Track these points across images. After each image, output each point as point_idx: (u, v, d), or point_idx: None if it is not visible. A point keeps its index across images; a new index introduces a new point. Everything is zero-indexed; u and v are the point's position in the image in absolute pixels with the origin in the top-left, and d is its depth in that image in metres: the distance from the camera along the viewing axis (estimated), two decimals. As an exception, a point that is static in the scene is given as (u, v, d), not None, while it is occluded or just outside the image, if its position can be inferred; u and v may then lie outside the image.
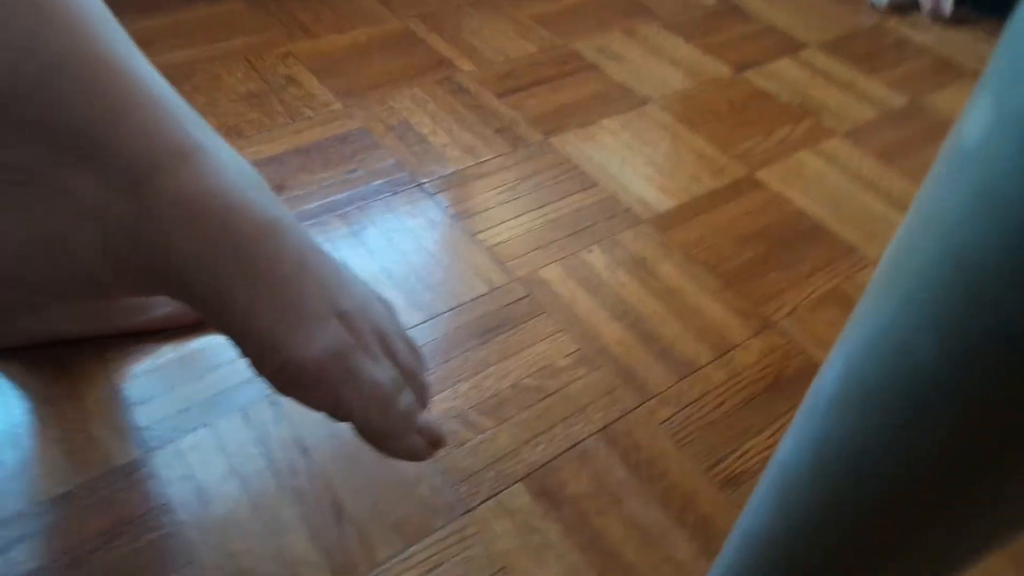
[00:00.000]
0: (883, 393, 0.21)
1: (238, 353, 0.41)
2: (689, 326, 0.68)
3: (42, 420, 0.56)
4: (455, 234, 0.75)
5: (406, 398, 0.45)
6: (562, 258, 0.73)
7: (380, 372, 0.43)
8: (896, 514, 0.22)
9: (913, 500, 0.22)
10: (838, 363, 0.23)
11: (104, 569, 0.48)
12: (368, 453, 0.56)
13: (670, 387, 0.63)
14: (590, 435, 0.59)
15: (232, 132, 0.83)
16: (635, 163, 0.86)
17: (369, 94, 0.91)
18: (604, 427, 0.60)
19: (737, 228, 0.79)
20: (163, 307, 0.62)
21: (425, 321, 0.66)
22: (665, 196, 0.82)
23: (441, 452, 0.57)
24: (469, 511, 0.54)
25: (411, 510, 0.54)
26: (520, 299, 0.69)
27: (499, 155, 0.85)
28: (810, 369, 0.66)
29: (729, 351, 0.67)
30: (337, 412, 0.42)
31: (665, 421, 0.61)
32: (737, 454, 0.59)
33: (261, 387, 0.59)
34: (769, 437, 0.61)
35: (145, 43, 0.40)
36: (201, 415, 0.57)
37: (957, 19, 1.20)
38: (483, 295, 0.69)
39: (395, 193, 0.78)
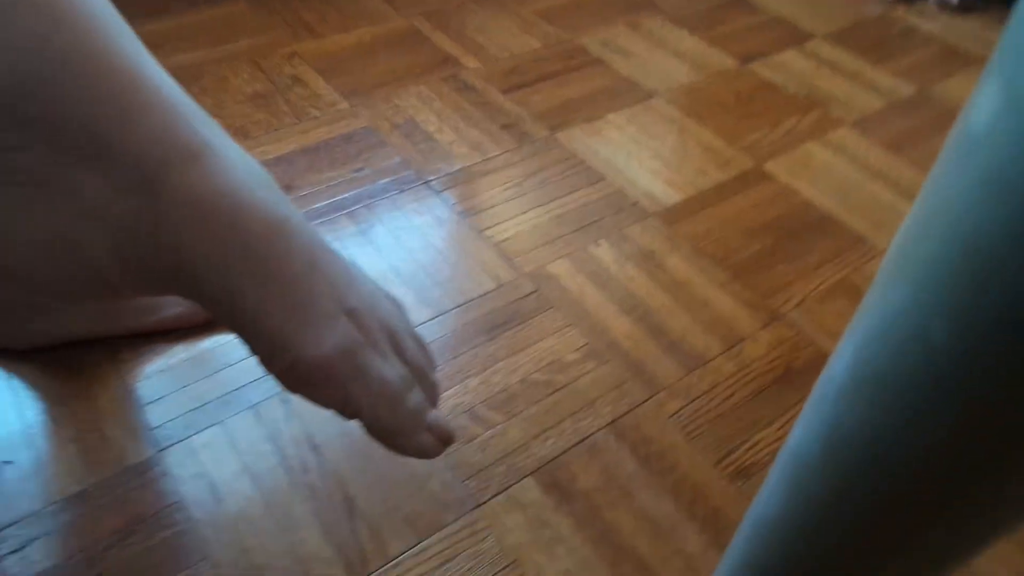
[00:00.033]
0: (895, 379, 0.21)
1: (248, 352, 0.42)
2: (698, 319, 0.68)
3: (56, 420, 0.56)
4: (462, 231, 0.75)
5: (415, 396, 0.45)
6: (570, 253, 0.73)
7: (389, 370, 0.43)
8: (909, 499, 0.22)
9: (926, 485, 0.22)
10: (848, 351, 0.23)
11: (119, 567, 0.49)
12: (379, 449, 0.56)
13: (679, 380, 0.63)
14: (599, 429, 0.59)
15: (239, 133, 0.83)
16: (642, 157, 0.86)
17: (375, 93, 0.91)
18: (613, 421, 0.60)
19: (745, 220, 0.79)
20: (174, 307, 0.62)
21: (434, 318, 0.66)
22: (672, 189, 0.82)
23: (451, 447, 0.57)
24: (480, 506, 0.54)
25: (422, 505, 0.54)
26: (528, 294, 0.69)
27: (505, 151, 0.85)
28: (819, 360, 0.66)
29: (738, 343, 0.67)
30: (346, 410, 0.42)
31: (674, 414, 0.61)
32: (747, 446, 0.59)
33: (272, 385, 0.60)
34: (779, 429, 0.61)
35: (152, 46, 0.40)
36: (213, 413, 0.58)
37: (964, 6, 1.19)
38: (491, 291, 0.69)
39: (402, 191, 0.79)
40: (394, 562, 0.51)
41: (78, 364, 0.60)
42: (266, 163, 0.80)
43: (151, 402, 0.58)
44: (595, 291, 0.70)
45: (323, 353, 0.40)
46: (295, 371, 0.41)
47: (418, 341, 0.48)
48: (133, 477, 0.54)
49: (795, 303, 0.71)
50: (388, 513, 0.53)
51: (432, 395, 0.47)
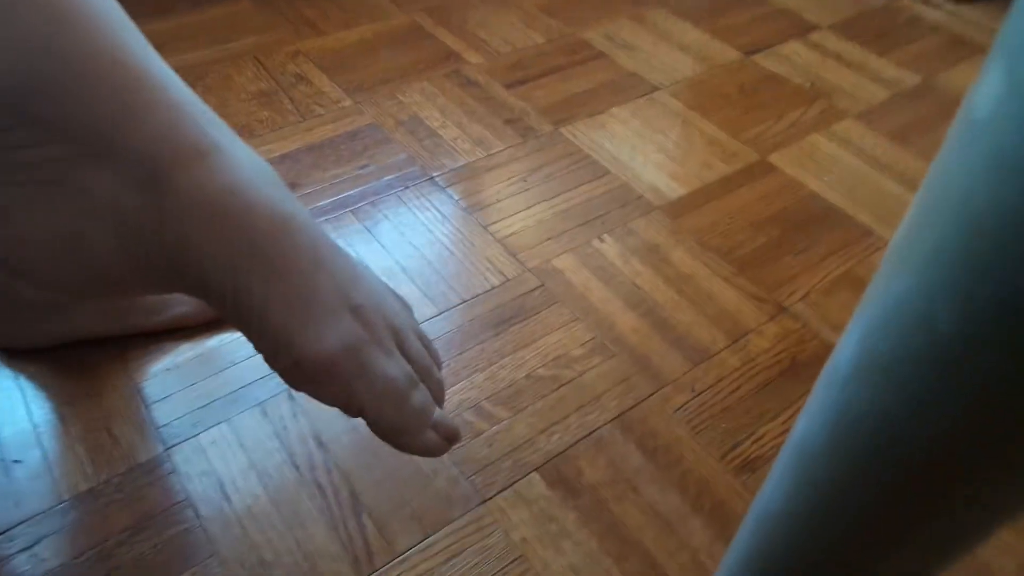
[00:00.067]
0: (900, 367, 0.21)
1: (253, 349, 0.42)
2: (703, 312, 0.68)
3: (64, 419, 0.57)
4: (467, 226, 0.75)
5: (420, 394, 0.44)
6: (575, 247, 0.73)
7: (393, 367, 0.43)
8: (915, 487, 0.22)
9: (932, 472, 0.22)
10: (853, 340, 0.23)
11: (128, 564, 0.49)
12: (386, 446, 0.56)
13: (685, 374, 0.63)
14: (605, 423, 0.59)
15: (244, 131, 0.84)
16: (646, 151, 0.85)
17: (378, 89, 0.91)
18: (619, 415, 0.60)
19: (750, 213, 0.79)
20: (180, 306, 0.63)
21: (439, 313, 0.67)
22: (677, 183, 0.82)
23: (457, 443, 0.57)
24: (486, 501, 0.54)
25: (429, 501, 0.54)
26: (533, 289, 0.69)
27: (509, 146, 0.85)
28: (825, 353, 0.66)
29: (743, 336, 0.67)
30: (350, 407, 0.42)
31: (680, 408, 0.61)
32: (753, 439, 0.59)
33: (278, 383, 0.60)
34: (784, 422, 0.61)
35: (155, 46, 0.40)
36: (220, 411, 0.58)
37: (971, -4, 1.18)
38: (496, 286, 0.69)
39: (407, 187, 0.79)
40: (401, 558, 0.51)
41: (86, 363, 0.60)
42: (271, 161, 0.80)
43: (158, 400, 0.59)
44: (600, 286, 0.70)
45: (327, 350, 0.40)
46: (299, 368, 0.41)
47: (423, 339, 0.48)
48: (141, 475, 0.54)
49: (800, 296, 0.71)
50: (395, 509, 0.53)
51: (437, 393, 0.47)
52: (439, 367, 0.49)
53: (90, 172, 0.38)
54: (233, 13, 1.02)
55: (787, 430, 0.60)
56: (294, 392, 0.59)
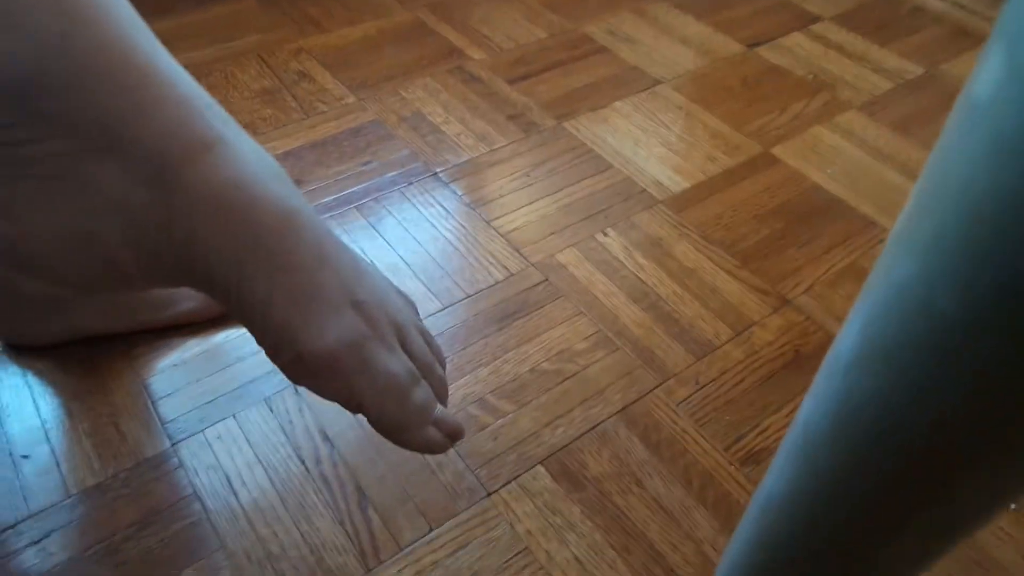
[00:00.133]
0: (903, 351, 0.21)
1: (256, 343, 0.42)
2: (707, 305, 0.68)
3: (72, 415, 0.57)
4: (471, 222, 0.75)
5: (422, 390, 0.44)
6: (578, 242, 0.74)
7: (395, 363, 0.43)
8: (918, 471, 0.23)
9: (935, 456, 0.22)
10: (856, 326, 0.23)
11: (136, 558, 0.50)
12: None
13: (689, 367, 0.63)
14: (609, 416, 0.60)
15: (247, 129, 0.84)
16: (649, 144, 0.85)
17: (382, 86, 0.92)
18: (623, 408, 0.60)
19: (753, 206, 0.79)
20: (187, 302, 0.63)
21: (443, 308, 0.67)
22: (680, 176, 0.82)
23: (460, 440, 0.57)
24: (491, 494, 0.54)
25: (434, 494, 0.54)
26: (537, 284, 0.69)
27: (512, 142, 0.85)
28: (828, 345, 0.66)
29: (747, 329, 0.67)
30: (351, 403, 0.42)
31: (684, 400, 0.61)
32: (756, 431, 0.59)
33: (284, 378, 0.60)
34: (788, 414, 0.61)
35: (158, 44, 0.41)
36: (226, 407, 0.59)
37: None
38: (500, 281, 0.69)
39: (410, 183, 0.79)
40: (407, 550, 0.51)
41: (93, 360, 0.61)
42: (275, 158, 0.80)
43: (165, 396, 0.59)
44: (604, 279, 0.70)
45: (329, 345, 0.40)
46: (301, 363, 0.41)
47: (426, 336, 0.48)
48: (148, 470, 0.54)
49: (804, 288, 0.71)
50: (400, 502, 0.54)
51: (440, 391, 0.47)
52: (443, 365, 0.49)
53: (97, 167, 0.38)
54: (236, 11, 1.02)
55: (791, 422, 0.60)
56: (301, 387, 0.60)
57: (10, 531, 0.51)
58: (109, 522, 0.52)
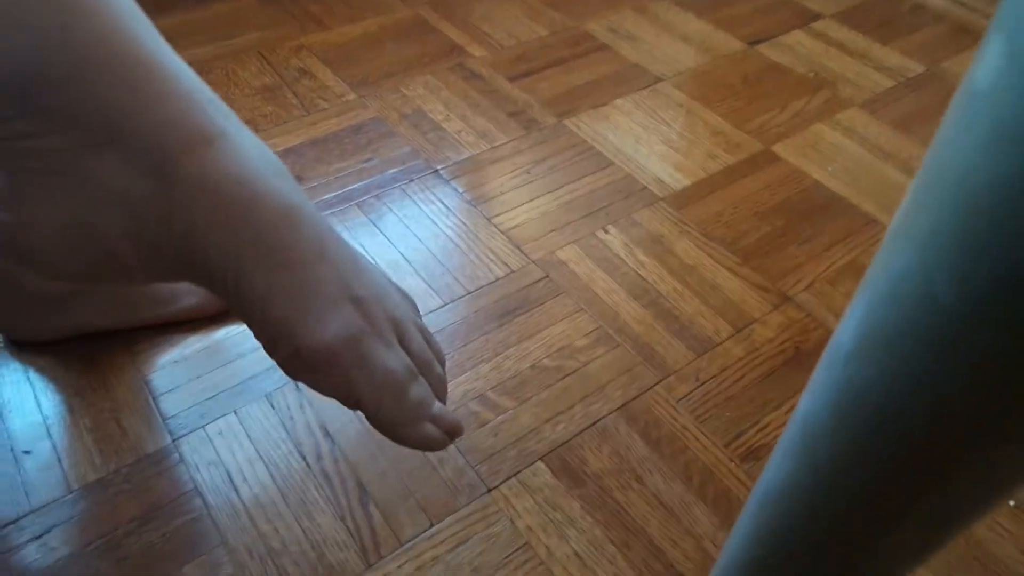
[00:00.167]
0: (902, 341, 0.21)
1: (254, 337, 0.42)
2: (707, 302, 0.68)
3: (74, 411, 0.57)
4: (472, 219, 0.75)
5: (419, 387, 0.44)
6: (579, 239, 0.74)
7: (393, 360, 0.43)
8: (917, 461, 0.23)
9: (934, 445, 0.22)
10: (855, 317, 0.23)
11: (137, 553, 0.50)
12: (391, 435, 0.57)
13: (689, 363, 0.64)
14: (610, 413, 0.60)
15: (248, 126, 0.84)
16: (650, 142, 0.86)
17: (383, 83, 0.92)
18: (624, 404, 0.60)
19: (754, 203, 0.79)
20: (188, 298, 0.63)
21: (444, 305, 0.67)
22: (681, 174, 0.82)
23: (458, 437, 0.57)
24: (491, 490, 0.55)
25: (435, 490, 0.54)
26: (538, 281, 0.69)
27: (513, 139, 0.85)
28: (828, 342, 0.66)
29: (748, 326, 0.67)
30: (349, 398, 0.42)
31: (684, 397, 0.61)
32: (757, 428, 0.59)
33: (285, 374, 0.60)
34: (788, 411, 0.61)
35: (159, 40, 0.41)
36: (227, 402, 0.59)
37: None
38: (501, 278, 0.70)
39: (411, 180, 0.79)
40: (407, 545, 0.51)
41: (94, 356, 0.61)
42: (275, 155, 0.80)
43: (166, 392, 0.59)
44: (604, 276, 0.70)
45: (326, 340, 0.40)
46: (299, 357, 0.41)
47: (425, 333, 0.48)
48: (149, 465, 0.55)
49: (805, 285, 0.71)
50: (401, 498, 0.54)
51: (439, 388, 0.47)
52: (442, 363, 0.49)
53: (97, 161, 0.38)
54: (237, 9, 1.02)
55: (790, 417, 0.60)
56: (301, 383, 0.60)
57: (11, 526, 0.51)
58: (110, 517, 0.52)
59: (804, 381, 0.63)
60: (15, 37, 0.35)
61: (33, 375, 0.60)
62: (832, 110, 0.92)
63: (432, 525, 0.53)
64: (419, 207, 0.76)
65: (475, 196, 0.78)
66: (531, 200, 0.78)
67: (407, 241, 0.72)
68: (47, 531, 0.51)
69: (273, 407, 0.58)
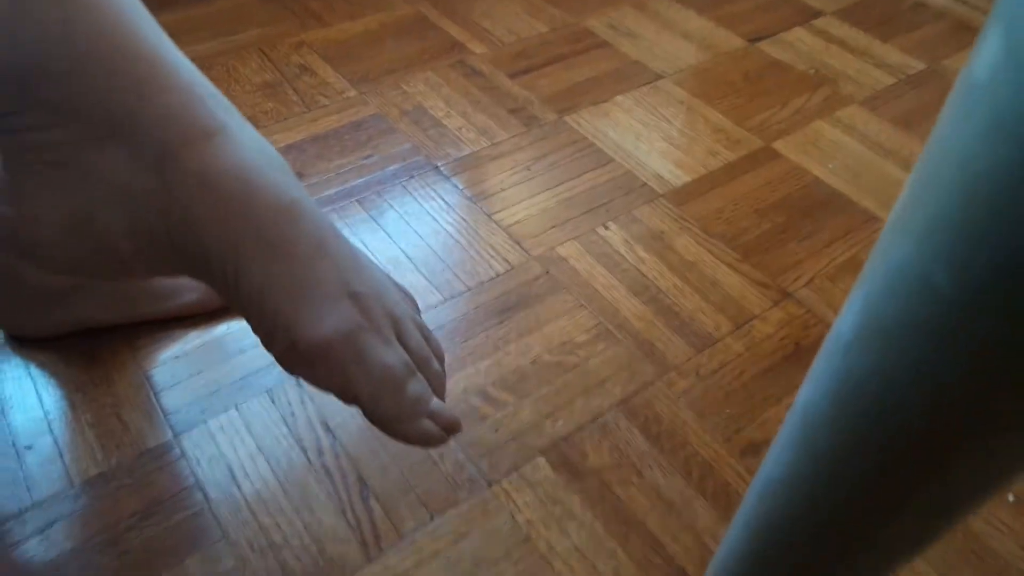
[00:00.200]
0: (901, 330, 0.21)
1: (252, 332, 0.42)
2: (707, 299, 0.69)
3: (75, 406, 0.58)
4: (472, 215, 0.75)
5: (417, 383, 0.44)
6: (579, 235, 0.74)
7: (391, 355, 0.43)
8: (916, 450, 0.23)
9: (933, 434, 0.22)
10: (855, 308, 0.23)
11: (139, 547, 0.50)
12: (391, 430, 0.57)
13: (689, 359, 0.64)
14: (610, 408, 0.60)
15: (249, 122, 0.84)
16: (650, 138, 0.86)
17: (383, 80, 0.92)
18: (624, 400, 0.60)
19: (754, 200, 0.79)
20: (189, 294, 0.63)
21: (445, 301, 0.67)
22: (681, 170, 0.82)
23: (463, 428, 0.58)
24: (492, 484, 0.55)
25: (435, 484, 0.55)
26: (538, 277, 0.70)
27: (514, 135, 0.85)
28: (830, 337, 0.66)
29: (748, 322, 0.67)
30: (346, 394, 0.42)
31: (684, 393, 0.61)
32: (756, 423, 0.59)
33: (285, 369, 0.61)
34: (787, 407, 0.61)
35: (160, 35, 0.41)
36: (228, 398, 0.59)
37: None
38: (501, 274, 0.70)
39: (411, 177, 0.79)
40: (408, 539, 0.52)
41: (96, 351, 0.61)
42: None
43: (167, 387, 0.59)
44: (605, 273, 0.70)
45: (323, 334, 0.40)
46: (295, 351, 0.41)
47: (424, 330, 0.48)
48: (151, 460, 0.55)
49: (805, 281, 0.71)
50: (402, 492, 0.54)
51: (437, 385, 0.46)
52: (441, 360, 0.49)
53: (99, 154, 0.38)
54: (238, 5, 1.02)
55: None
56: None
57: (14, 520, 0.51)
58: (112, 512, 0.52)
59: (804, 377, 0.63)
60: (16, 31, 0.35)
61: (34, 370, 0.60)
62: (832, 107, 0.92)
63: (433, 519, 0.53)
64: (420, 203, 0.76)
65: (475, 192, 0.78)
66: (531, 196, 0.78)
67: (408, 237, 0.72)
68: (49, 525, 0.51)
69: (274, 402, 0.59)
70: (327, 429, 0.57)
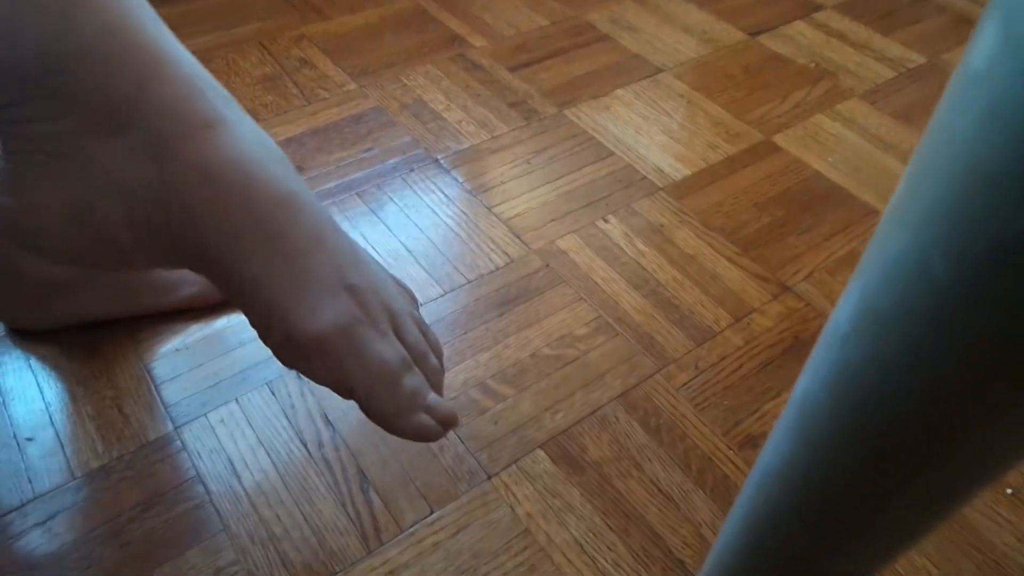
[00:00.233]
0: (898, 319, 0.21)
1: (249, 324, 0.42)
2: (707, 292, 0.69)
3: (76, 399, 0.58)
4: (472, 208, 0.75)
5: (413, 377, 0.44)
6: (579, 228, 0.74)
7: (387, 349, 0.42)
8: (913, 438, 0.23)
9: (930, 422, 0.22)
10: (854, 294, 0.24)
11: (140, 538, 0.50)
12: (391, 423, 0.57)
13: (688, 352, 0.64)
14: (609, 401, 0.60)
15: (249, 115, 0.84)
16: (651, 132, 0.86)
17: (383, 73, 0.92)
18: (623, 393, 0.61)
19: (754, 193, 0.79)
20: (189, 287, 0.63)
21: (445, 294, 0.67)
22: (681, 164, 0.82)
23: (463, 421, 0.58)
24: (491, 477, 0.55)
25: (435, 477, 0.55)
26: (538, 270, 0.70)
27: (514, 129, 0.85)
28: (829, 331, 0.66)
29: (747, 316, 0.67)
30: (341, 387, 0.42)
31: (684, 386, 0.61)
32: (755, 416, 0.60)
33: (285, 362, 0.61)
34: (786, 400, 0.61)
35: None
36: (228, 391, 0.59)
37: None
38: (501, 267, 0.70)
39: (412, 170, 0.79)
40: (408, 532, 0.52)
41: (97, 344, 0.61)
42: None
43: (168, 380, 0.59)
44: (604, 266, 0.70)
45: (319, 327, 0.40)
46: (291, 344, 0.41)
47: (421, 325, 0.47)
48: (152, 452, 0.55)
49: (804, 275, 0.71)
50: (401, 485, 0.54)
51: (434, 379, 0.46)
52: (440, 356, 0.48)
53: (99, 145, 0.39)
54: (238, -2, 1.02)
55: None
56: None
57: (15, 512, 0.51)
58: (113, 504, 0.52)
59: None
60: (18, 22, 0.35)
61: (35, 363, 0.60)
62: (833, 101, 0.92)
63: (432, 511, 0.53)
64: (419, 197, 0.76)
65: (475, 186, 0.78)
66: (531, 190, 0.78)
67: (407, 230, 0.73)
68: (51, 517, 0.51)
69: (274, 395, 0.59)
70: (327, 422, 0.57)
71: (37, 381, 0.59)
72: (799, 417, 0.27)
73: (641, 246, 0.72)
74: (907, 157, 0.84)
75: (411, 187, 0.77)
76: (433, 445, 0.56)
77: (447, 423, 0.45)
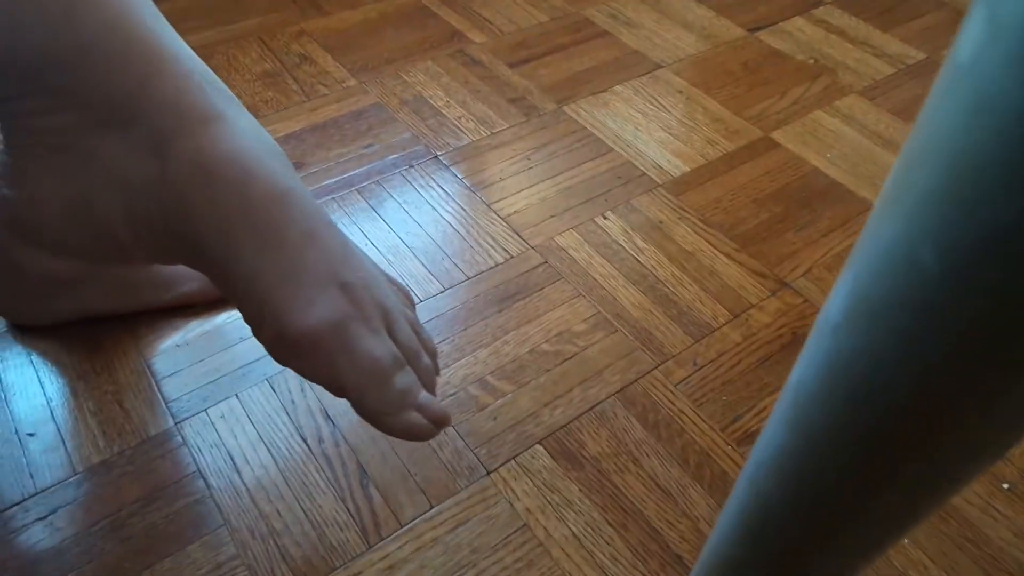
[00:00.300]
0: (889, 308, 0.22)
1: (242, 319, 0.42)
2: (705, 288, 0.69)
3: (77, 394, 0.58)
4: (471, 205, 0.75)
5: (405, 376, 0.44)
6: (578, 225, 0.74)
7: (379, 347, 0.42)
8: (906, 425, 0.23)
9: (921, 410, 0.22)
10: (845, 284, 0.24)
11: (141, 533, 0.51)
12: (391, 419, 0.57)
13: (686, 348, 0.64)
14: (608, 397, 0.60)
15: (249, 111, 0.84)
16: (650, 128, 0.86)
17: (383, 69, 0.92)
18: (622, 389, 0.61)
19: (753, 190, 0.79)
20: (190, 283, 0.64)
21: (444, 290, 0.67)
22: (680, 160, 0.82)
23: (462, 416, 0.58)
24: (490, 472, 0.55)
25: (434, 472, 0.55)
26: (537, 266, 0.70)
27: (513, 125, 0.85)
28: (827, 327, 0.66)
29: (745, 311, 0.67)
30: (333, 384, 0.42)
31: (682, 381, 0.62)
32: (753, 412, 0.60)
33: (285, 358, 0.61)
34: (786, 394, 0.61)
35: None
36: (228, 386, 0.59)
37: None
38: (500, 263, 0.70)
39: (411, 166, 0.79)
40: (408, 527, 0.52)
41: (97, 340, 0.62)
42: (276, 141, 0.81)
43: (168, 376, 0.60)
44: (603, 262, 0.71)
45: (311, 323, 0.40)
46: (283, 340, 0.41)
47: (415, 325, 0.47)
48: (152, 448, 0.55)
49: (802, 271, 0.71)
50: (401, 480, 0.54)
51: (427, 379, 0.46)
52: (433, 356, 0.48)
53: (100, 140, 0.39)
54: (237, -6, 1.02)
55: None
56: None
57: (17, 507, 0.52)
58: (115, 498, 0.52)
59: (801, 366, 0.63)
60: (19, 17, 0.36)
61: (36, 358, 0.60)
62: (832, 97, 0.92)
63: (432, 507, 0.53)
64: (419, 193, 0.76)
65: (475, 182, 0.78)
66: (530, 186, 0.78)
67: (407, 227, 0.73)
68: (52, 512, 0.51)
69: (274, 391, 0.59)
70: (327, 417, 0.58)
71: (38, 376, 0.59)
72: (792, 407, 0.27)
73: (640, 242, 0.72)
74: (906, 153, 0.84)
75: (410, 183, 0.77)
76: (432, 441, 0.57)
77: (439, 422, 0.45)
